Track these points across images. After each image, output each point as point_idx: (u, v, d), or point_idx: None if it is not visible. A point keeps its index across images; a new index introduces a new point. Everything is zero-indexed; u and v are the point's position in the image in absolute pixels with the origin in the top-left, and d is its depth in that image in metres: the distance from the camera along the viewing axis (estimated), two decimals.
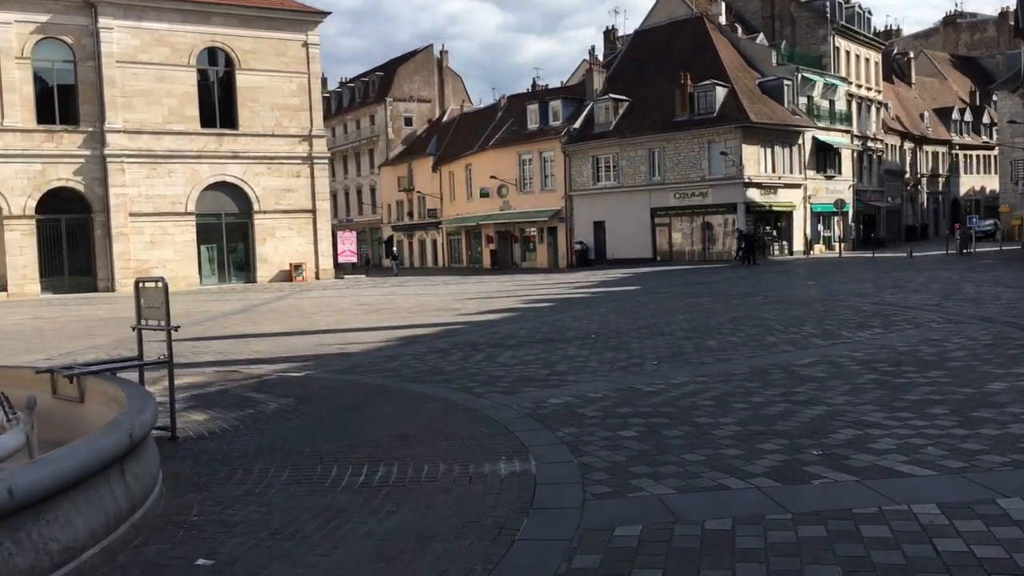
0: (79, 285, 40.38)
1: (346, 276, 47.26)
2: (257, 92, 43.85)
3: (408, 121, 73.61)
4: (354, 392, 9.68)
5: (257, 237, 44.20)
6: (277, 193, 44.48)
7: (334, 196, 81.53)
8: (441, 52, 77.16)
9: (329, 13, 46.12)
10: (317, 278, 45.21)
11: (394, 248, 51.64)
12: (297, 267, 44.49)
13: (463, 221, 59.67)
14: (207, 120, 42.91)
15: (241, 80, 43.51)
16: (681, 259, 47.58)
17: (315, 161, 45.43)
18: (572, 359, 11.70)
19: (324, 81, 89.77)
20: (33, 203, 39.12)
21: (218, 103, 43.38)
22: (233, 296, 34.04)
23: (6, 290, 38.56)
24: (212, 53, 43.00)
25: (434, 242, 66.29)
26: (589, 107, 52.49)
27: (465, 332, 16.28)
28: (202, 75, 42.78)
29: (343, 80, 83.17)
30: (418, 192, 66.14)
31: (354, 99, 78.36)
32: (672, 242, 48.76)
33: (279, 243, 44.68)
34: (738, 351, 11.81)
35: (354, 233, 52.38)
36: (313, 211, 45.42)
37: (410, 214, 68.63)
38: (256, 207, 43.97)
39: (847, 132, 55.16)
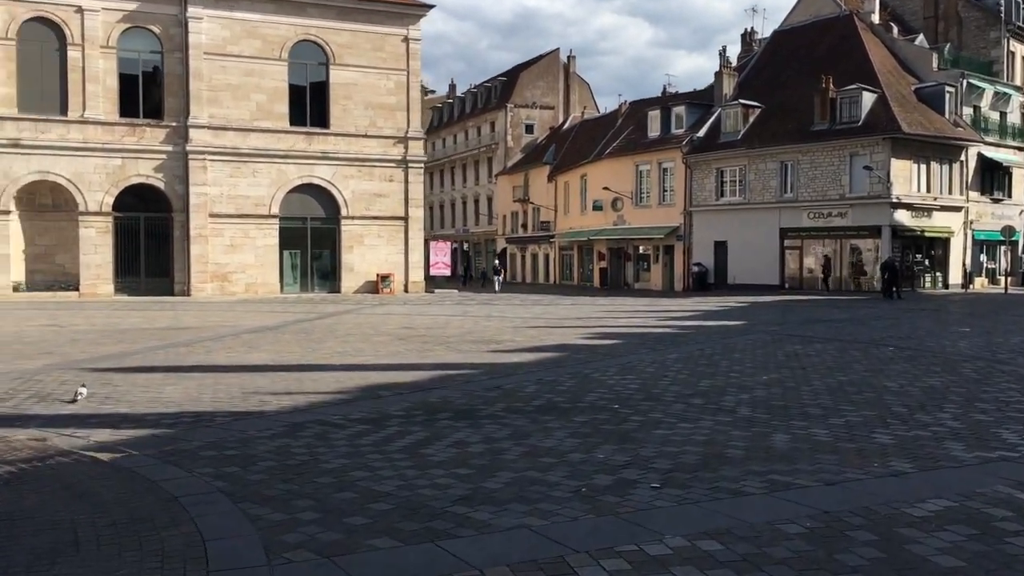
0: (155, 288, 38.38)
1: (437, 290, 43.75)
2: (351, 89, 41.00)
3: (529, 128, 69.94)
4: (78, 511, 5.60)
5: (344, 244, 41.27)
6: (367, 198, 41.44)
7: (451, 205, 78.82)
8: (568, 57, 73.19)
9: (432, 6, 42.86)
10: (406, 291, 41.90)
11: (496, 261, 47.79)
12: (384, 278, 41.27)
13: (575, 235, 55.34)
14: (296, 118, 40.33)
15: (335, 76, 40.75)
16: (813, 287, 41.70)
17: (410, 165, 42.18)
18: (537, 460, 7.28)
19: (452, 87, 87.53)
20: (111, 199, 37.37)
21: (309, 100, 40.74)
22: (296, 307, 30.93)
23: (78, 290, 36.88)
24: (305, 47, 40.41)
25: (546, 257, 62.21)
26: (716, 114, 47.23)
27: (462, 382, 12.04)
28: (293, 70, 40.21)
29: (472, 86, 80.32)
30: (532, 203, 62.26)
31: (476, 105, 75.36)
32: (804, 268, 42.90)
33: (367, 252, 41.61)
34: (812, 464, 7.08)
35: (448, 244, 48.89)
36: (405, 218, 42.15)
37: (524, 226, 64.84)
38: (344, 212, 41.05)
39: (1020, 149, 47.66)
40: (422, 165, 43.35)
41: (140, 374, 12.94)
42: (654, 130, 49.79)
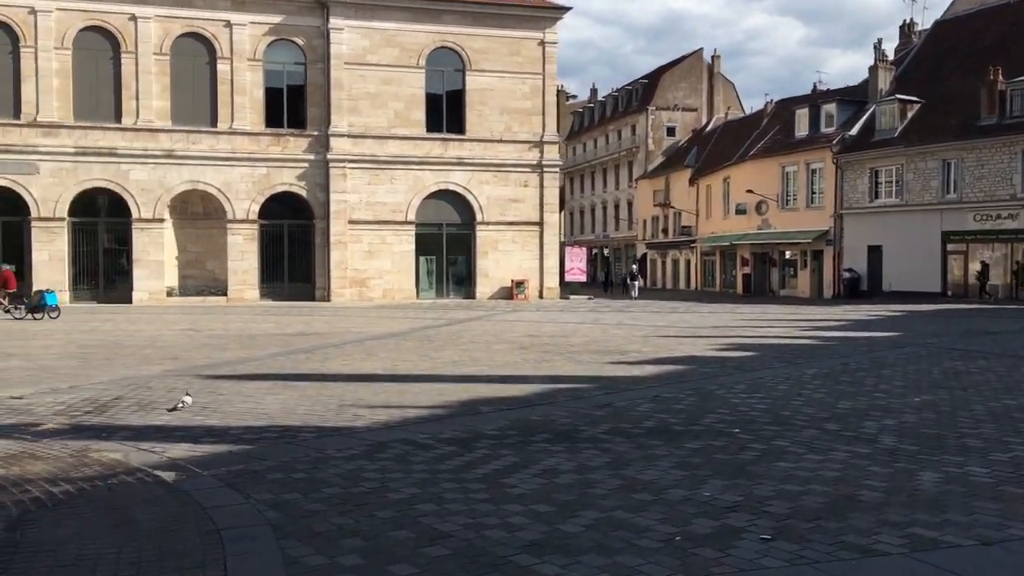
0: (297, 293, 39.29)
1: (572, 296, 42.94)
2: (487, 95, 40.80)
3: (671, 131, 68.21)
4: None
5: (479, 250, 41.09)
6: (502, 203, 41.13)
7: (591, 210, 77.91)
8: (712, 57, 71.00)
9: (568, 9, 42.18)
10: (541, 297, 41.31)
11: (634, 267, 46.48)
12: (519, 284, 40.82)
13: (717, 240, 53.35)
14: (433, 124, 40.46)
15: (471, 82, 40.66)
16: (979, 295, 38.46)
17: (546, 169, 41.60)
18: (631, 496, 6.36)
19: (594, 91, 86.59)
20: (256, 207, 38.48)
21: (445, 106, 40.78)
22: (429, 313, 30.83)
23: (226, 295, 38.13)
24: (442, 53, 40.47)
25: (687, 262, 60.36)
26: (870, 110, 44.40)
27: (571, 397, 11.19)
28: (430, 77, 40.36)
29: (613, 90, 79.12)
30: (673, 207, 60.57)
31: (616, 108, 74.19)
32: (969, 274, 39.65)
33: (501, 257, 41.28)
34: (967, 514, 5.86)
35: (583, 249, 47.98)
36: (540, 224, 41.59)
37: (664, 231, 63.20)
38: (479, 218, 40.88)
39: None
40: (558, 169, 42.70)
41: (249, 382, 12.73)
42: (802, 129, 47.34)
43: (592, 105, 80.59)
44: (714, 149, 57.64)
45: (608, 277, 61.55)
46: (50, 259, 35.99)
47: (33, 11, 35.47)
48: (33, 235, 35.81)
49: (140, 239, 37.05)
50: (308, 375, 13.66)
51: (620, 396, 11.43)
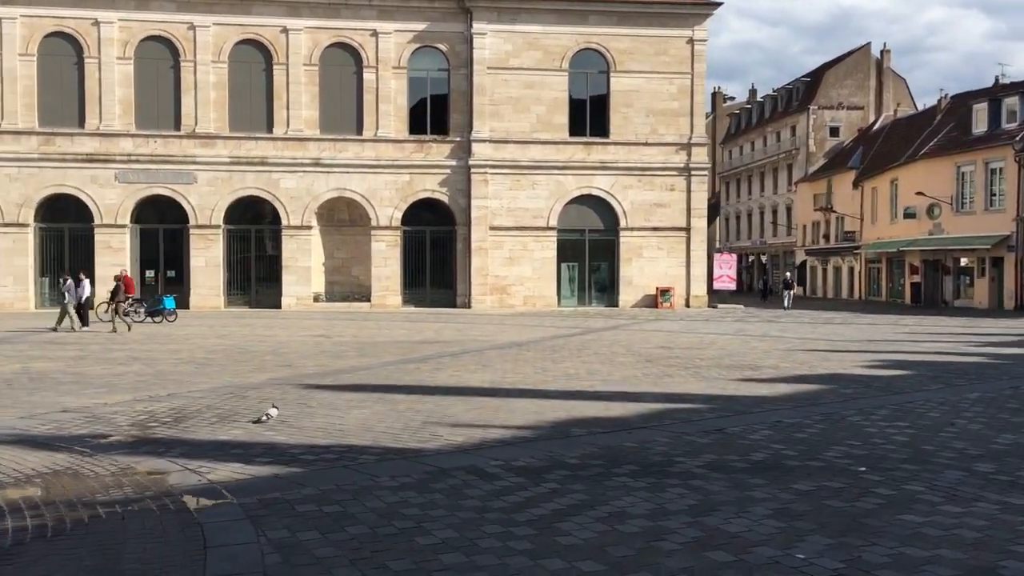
0: (439, 300, 39.29)
1: (721, 305, 40.97)
2: (631, 96, 39.58)
3: (834, 131, 64.56)
4: None
5: (622, 257, 39.87)
6: (647, 208, 39.76)
7: (748, 215, 74.91)
8: (881, 52, 66.74)
9: (720, 3, 40.34)
10: (687, 305, 39.65)
11: (787, 275, 43.82)
12: (664, 292, 39.31)
13: (884, 246, 49.78)
14: (575, 128, 39.60)
15: (615, 83, 39.56)
16: None
17: (693, 173, 39.93)
18: (703, 555, 5.22)
19: (753, 91, 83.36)
20: (399, 214, 38.73)
21: (589, 109, 39.85)
22: (565, 321, 29.94)
23: (370, 301, 38.54)
24: (586, 55, 39.58)
25: (850, 270, 56.76)
26: None
27: (680, 420, 10.03)
28: (573, 79, 39.53)
29: (773, 89, 75.85)
30: (835, 211, 57.15)
31: (776, 109, 70.95)
32: None
33: (646, 264, 39.90)
34: None
35: (733, 256, 45.67)
36: (687, 229, 39.94)
37: (825, 236, 59.74)
38: (623, 223, 39.67)
39: None
40: (706, 173, 40.88)
41: (346, 393, 12.19)
42: (980, 126, 43.49)
43: (750, 106, 77.53)
44: (881, 149, 53.98)
45: (767, 286, 58.79)
46: (206, 265, 37.39)
47: (192, 27, 37.00)
48: (191, 242, 37.30)
49: (289, 246, 37.97)
50: (409, 387, 13.02)
51: (736, 420, 10.15)
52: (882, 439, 9.00)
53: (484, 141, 38.83)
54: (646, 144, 39.69)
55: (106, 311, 25.43)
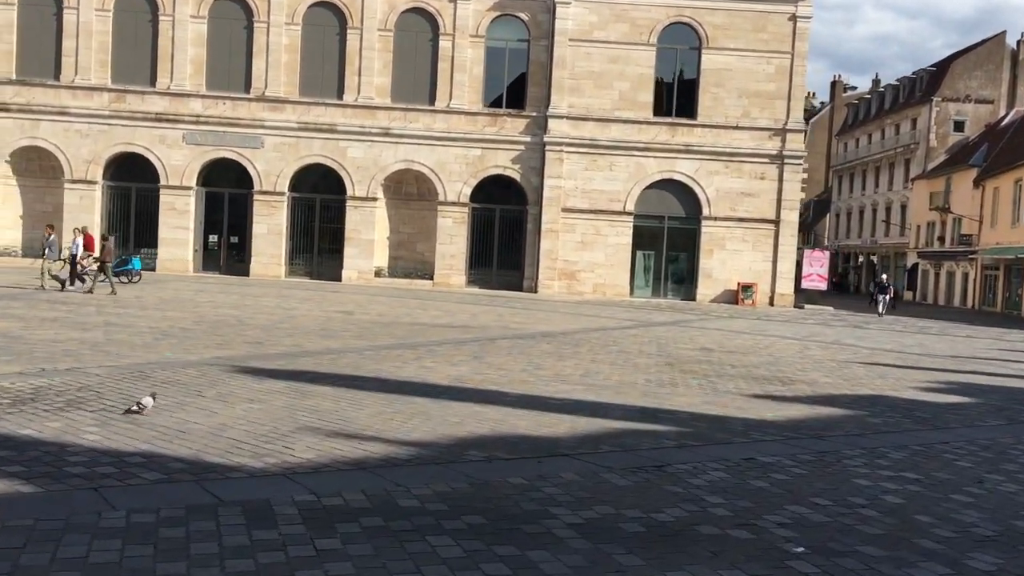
0: (505, 281, 37.52)
1: (808, 306, 37.75)
2: (723, 75, 36.73)
3: (958, 126, 59.43)
4: None
5: (702, 247, 37.17)
6: (733, 197, 36.91)
7: (859, 212, 70.27)
8: (1018, 42, 61.05)
9: None
10: (771, 304, 36.72)
11: (883, 277, 39.98)
12: (746, 288, 36.48)
13: (1002, 252, 45.28)
14: (660, 107, 37.06)
15: (707, 61, 36.78)
16: None
17: (787, 161, 36.85)
18: None
19: (876, 81, 78.10)
20: (468, 190, 37.05)
21: (676, 88, 37.22)
22: (626, 313, 27.72)
23: (432, 279, 37.06)
24: (676, 29, 36.92)
25: (964, 276, 52.11)
26: None
27: (620, 447, 7.91)
28: (661, 55, 36.94)
29: (895, 79, 70.76)
30: (952, 212, 52.52)
31: (897, 99, 65.97)
32: None
33: (728, 257, 37.10)
34: None
35: (825, 253, 42.04)
36: (776, 222, 36.91)
37: (940, 239, 55.06)
38: (705, 212, 36.95)
39: None
40: (800, 162, 37.66)
41: (266, 381, 10.52)
42: None
43: (870, 96, 72.54)
44: (1008, 146, 49.17)
45: (879, 288, 54.59)
46: (268, 232, 36.61)
47: None
48: (254, 208, 36.56)
49: (352, 217, 36.81)
50: (351, 378, 11.23)
51: (693, 453, 7.97)
52: (866, 499, 6.71)
53: (561, 117, 36.69)
54: (736, 128, 36.79)
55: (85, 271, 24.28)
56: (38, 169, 36.37)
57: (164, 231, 36.15)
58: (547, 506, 5.95)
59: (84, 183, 35.82)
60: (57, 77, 35.73)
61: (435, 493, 6.06)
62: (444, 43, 36.78)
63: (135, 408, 8.20)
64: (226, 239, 37.34)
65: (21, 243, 36.17)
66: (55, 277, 22.67)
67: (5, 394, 8.68)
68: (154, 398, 8.46)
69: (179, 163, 36.12)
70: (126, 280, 26.83)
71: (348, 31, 36.52)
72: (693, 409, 10.48)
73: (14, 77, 35.56)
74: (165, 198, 36.20)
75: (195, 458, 6.59)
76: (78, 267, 23.41)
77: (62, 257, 24.45)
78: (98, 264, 23.38)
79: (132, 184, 36.62)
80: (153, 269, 35.61)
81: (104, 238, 23.75)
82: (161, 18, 35.93)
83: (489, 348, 15.85)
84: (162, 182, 36.13)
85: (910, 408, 11.70)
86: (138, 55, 36.08)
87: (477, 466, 6.96)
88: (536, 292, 36.55)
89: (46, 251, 22.74)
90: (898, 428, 10.10)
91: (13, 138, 35.55)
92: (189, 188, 36.31)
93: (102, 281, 23.00)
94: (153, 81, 36.15)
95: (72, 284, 23.03)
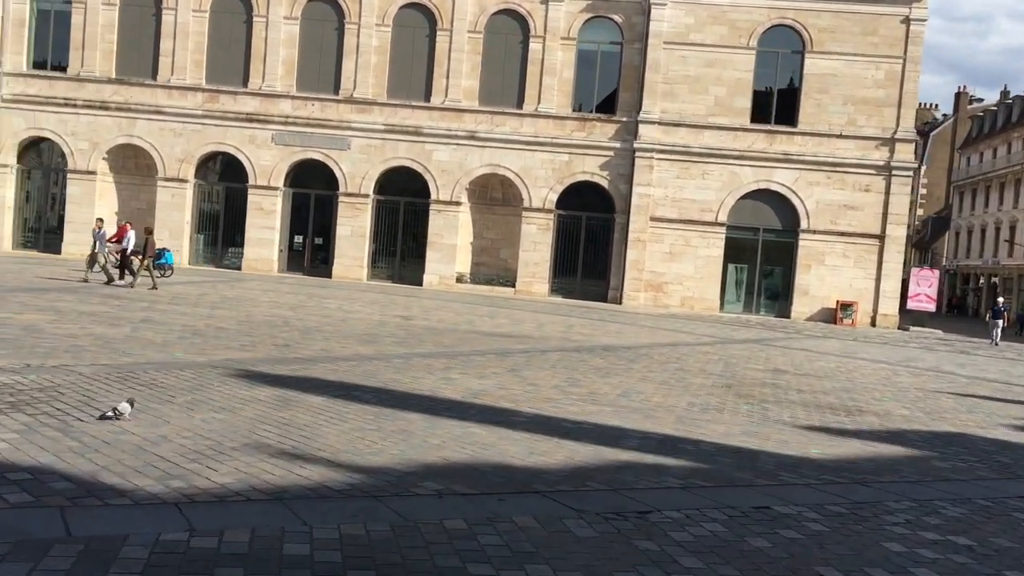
0: (589, 292, 36.28)
1: (913, 328, 35.12)
2: (828, 81, 34.64)
3: None
4: None
5: (799, 262, 35.10)
6: (834, 209, 34.74)
7: (981, 231, 66.03)
8: None
9: None
10: (873, 324, 34.37)
11: (999, 300, 36.80)
12: (846, 307, 34.25)
13: None
14: (758, 114, 35.21)
15: (810, 65, 34.76)
16: None
17: (895, 173, 34.46)
18: None
19: (1004, 92, 73.36)
20: (554, 196, 36.00)
21: (776, 94, 35.34)
22: (709, 329, 26.19)
23: (514, 286, 36.15)
24: (778, 32, 35.05)
25: None
26: None
27: (604, 484, 6.76)
28: (760, 59, 35.11)
29: None
30: None
31: None
32: None
33: (827, 273, 34.92)
34: None
35: (934, 272, 39.01)
36: (881, 237, 34.55)
37: None
38: (803, 224, 34.89)
39: None
40: (910, 174, 35.19)
41: (260, 388, 9.74)
42: None
43: (996, 108, 68.18)
44: None
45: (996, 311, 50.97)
46: (351, 234, 36.40)
47: None
48: (339, 210, 36.42)
49: (436, 221, 36.24)
50: (359, 388, 10.36)
51: (698, 496, 6.74)
52: (889, 573, 5.36)
53: (653, 123, 35.27)
54: (840, 136, 34.64)
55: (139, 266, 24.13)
56: (134, 167, 37.15)
57: (251, 231, 36.37)
58: (469, 562, 4.87)
59: (176, 181, 36.36)
60: (154, 77, 36.43)
61: (340, 537, 5.06)
62: (534, 45, 35.88)
63: (110, 414, 7.54)
64: (311, 240, 37.35)
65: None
66: (104, 268, 22.78)
67: None
68: (132, 404, 7.76)
69: (267, 163, 36.30)
70: (159, 275, 26.85)
71: (438, 33, 36.03)
72: (725, 440, 9.18)
73: (114, 76, 36.42)
74: (253, 198, 36.42)
75: (90, 477, 5.77)
76: (104, 259, 23.35)
77: (113, 251, 24.47)
78: (140, 258, 23.22)
79: (221, 183, 37.02)
80: (239, 268, 35.91)
81: (148, 232, 23.58)
82: (255, 19, 36.21)
83: (535, 360, 14.78)
84: (250, 182, 36.37)
85: (991, 451, 10.07)
86: (232, 56, 36.46)
87: (419, 503, 5.93)
88: (620, 303, 35.20)
89: (96, 244, 22.81)
90: (967, 476, 8.57)
91: (111, 135, 36.39)
92: (276, 188, 36.43)
93: (144, 275, 22.86)
94: (245, 82, 36.46)
95: (121, 278, 23.03)
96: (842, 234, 34.78)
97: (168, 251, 28.66)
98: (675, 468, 7.73)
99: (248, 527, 5.02)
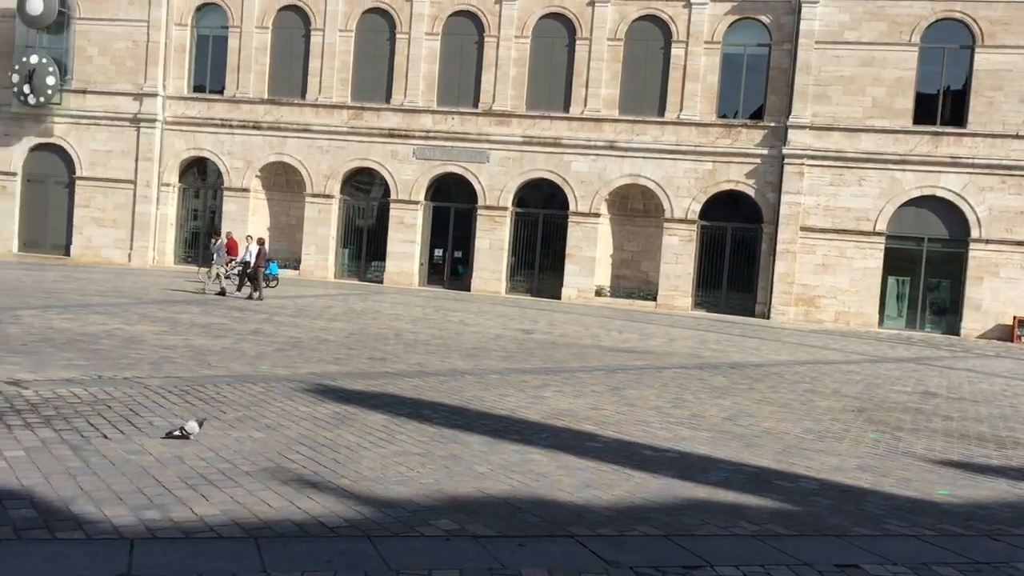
0: (735, 306, 34.53)
1: None
2: (1001, 77, 31.63)
3: None
4: None
5: (970, 274, 32.11)
6: (1010, 217, 31.63)
7: None
8: None
9: None
10: None
11: None
12: (1023, 323, 31.06)
13: None
14: (921, 115, 32.52)
15: (980, 61, 31.84)
16: None
17: None
18: None
19: None
20: (698, 206, 34.51)
21: (941, 93, 32.59)
22: (864, 347, 24.23)
23: (655, 300, 34.88)
24: (943, 27, 32.28)
25: None
26: None
27: (698, 519, 5.76)
28: (924, 56, 32.47)
29: None
30: None
31: None
32: None
33: (1002, 286, 31.79)
34: None
35: None
36: None
37: None
38: (974, 233, 31.92)
39: None
40: None
41: (323, 404, 9.25)
42: None
43: None
44: None
45: None
46: (490, 247, 36.16)
47: (498, 0, 35.77)
48: (477, 223, 36.26)
49: (574, 233, 35.47)
50: (431, 406, 9.73)
51: (770, 548, 5.68)
52: None
53: (803, 127, 33.23)
54: (1016, 136, 31.51)
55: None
56: (284, 184, 38.33)
57: (392, 244, 36.76)
58: None
59: (322, 197, 37.23)
60: (303, 96, 37.49)
61: None
62: (676, 51, 34.59)
63: (177, 433, 7.22)
64: (450, 254, 37.37)
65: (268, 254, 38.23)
66: (219, 278, 23.29)
67: (17, 401, 8.00)
68: (200, 424, 7.42)
69: (408, 178, 36.62)
70: (265, 285, 27.18)
71: (577, 42, 35.36)
72: (831, 476, 7.95)
73: (266, 96, 37.74)
74: (395, 212, 36.81)
75: (61, 504, 5.39)
76: (221, 271, 23.77)
77: (236, 262, 24.96)
78: (248, 269, 23.56)
79: (364, 200, 37.65)
80: (381, 282, 36.37)
81: (260, 243, 23.89)
82: (398, 36, 36.68)
83: (645, 378, 13.75)
84: (392, 196, 36.78)
85: None
86: (375, 73, 37.06)
87: (418, 545, 5.17)
88: (768, 318, 33.28)
89: (214, 256, 23.30)
90: None
91: (263, 154, 37.69)
92: (417, 202, 36.68)
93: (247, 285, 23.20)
94: (388, 98, 36.96)
95: (239, 290, 23.45)
96: (1020, 244, 31.58)
97: (273, 261, 29.22)
98: (754, 510, 6.63)
99: (193, 572, 4.41)
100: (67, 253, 38.65)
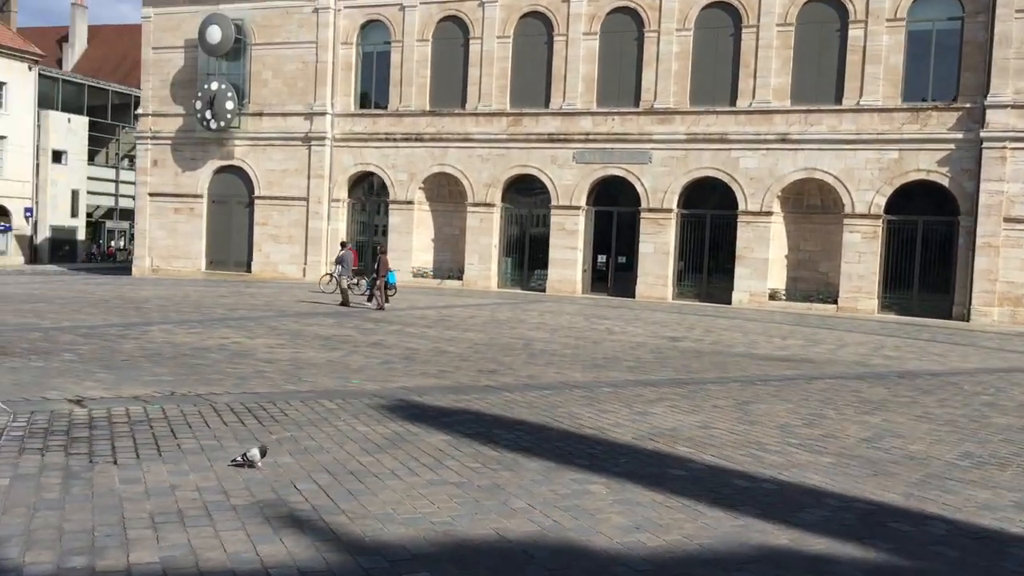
0: (929, 308, 31.29)
1: None
2: None
3: None
4: None
5: None
6: None
7: None
8: None
9: None
10: None
11: None
12: None
13: None
14: None
15: None
16: None
17: None
18: None
19: None
20: (882, 200, 31.57)
21: None
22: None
23: (836, 303, 32.19)
24: None
25: None
26: None
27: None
28: None
29: None
30: None
31: None
32: None
33: None
34: None
35: None
36: None
37: None
38: None
39: None
40: None
41: (392, 421, 8.42)
42: None
43: None
44: None
45: None
46: (655, 252, 34.64)
47: None
48: (641, 226, 34.84)
49: (744, 234, 33.35)
50: (509, 424, 8.70)
51: None
52: None
53: (1004, 107, 29.68)
54: None
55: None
56: (447, 194, 38.41)
57: (554, 252, 35.97)
58: None
59: (484, 206, 36.99)
60: (463, 105, 37.44)
61: None
62: (854, 31, 31.83)
63: (239, 460, 6.68)
64: (614, 259, 36.12)
65: (432, 265, 38.45)
66: (342, 291, 23.14)
67: (59, 420, 7.66)
68: (264, 452, 6.84)
69: (569, 183, 35.73)
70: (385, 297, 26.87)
71: (743, 30, 33.28)
72: (974, 517, 6.27)
73: (427, 108, 37.99)
74: (555, 218, 36.02)
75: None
76: (345, 282, 23.54)
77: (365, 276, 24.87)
78: (371, 280, 23.28)
79: (525, 206, 37.09)
80: (543, 290, 35.66)
81: (382, 252, 23.45)
82: (556, 38, 35.93)
83: (785, 391, 12.12)
84: (553, 203, 35.99)
85: None
86: (534, 78, 36.45)
87: None
88: (967, 320, 29.87)
89: (339, 267, 23.14)
90: None
91: (426, 166, 37.93)
92: (578, 208, 35.71)
93: (361, 294, 22.86)
94: (547, 102, 36.25)
95: (369, 301, 23.21)
96: None
97: (393, 271, 29.02)
98: (846, 564, 5.17)
99: None
100: (248, 270, 40.42)
